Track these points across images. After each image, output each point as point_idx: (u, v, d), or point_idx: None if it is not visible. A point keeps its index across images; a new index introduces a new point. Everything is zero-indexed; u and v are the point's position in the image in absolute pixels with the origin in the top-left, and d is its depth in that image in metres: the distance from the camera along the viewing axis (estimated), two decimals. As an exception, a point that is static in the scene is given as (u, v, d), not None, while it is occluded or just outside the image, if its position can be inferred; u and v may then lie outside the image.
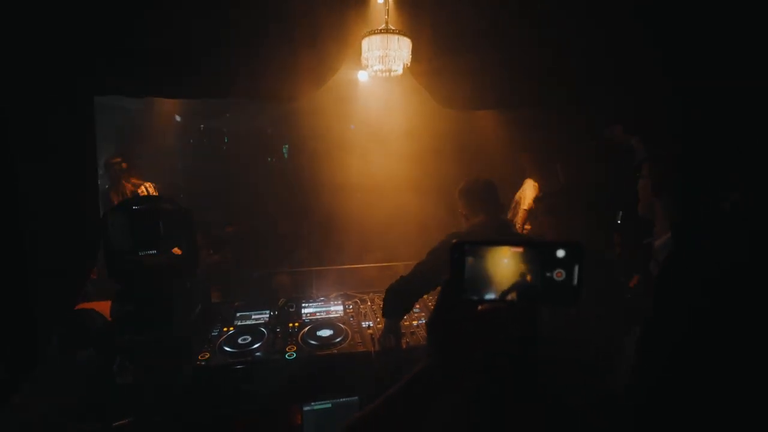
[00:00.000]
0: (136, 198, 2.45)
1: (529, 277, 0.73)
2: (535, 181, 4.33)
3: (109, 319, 2.41)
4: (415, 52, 2.81)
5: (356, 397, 2.42)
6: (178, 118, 6.32)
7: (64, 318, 2.29)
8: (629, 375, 1.81)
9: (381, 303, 2.90)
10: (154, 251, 2.41)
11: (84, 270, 2.43)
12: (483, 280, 0.76)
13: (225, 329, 2.72)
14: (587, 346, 2.31)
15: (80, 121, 2.39)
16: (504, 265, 0.74)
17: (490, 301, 0.76)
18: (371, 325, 2.79)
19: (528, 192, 4.36)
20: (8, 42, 1.74)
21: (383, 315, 2.55)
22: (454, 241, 0.77)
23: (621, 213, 3.10)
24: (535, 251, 0.73)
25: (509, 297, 0.74)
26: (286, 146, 7.73)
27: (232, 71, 2.70)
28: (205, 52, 2.58)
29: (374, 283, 3.53)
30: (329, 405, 2.40)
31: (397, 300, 2.47)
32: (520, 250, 0.73)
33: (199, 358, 2.41)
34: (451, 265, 0.77)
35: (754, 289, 1.33)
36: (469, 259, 0.76)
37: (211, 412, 2.26)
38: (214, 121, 6.97)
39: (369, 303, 3.11)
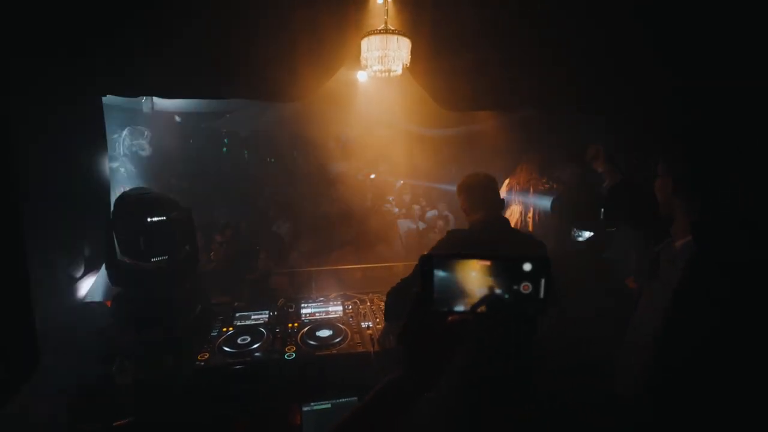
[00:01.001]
0: (146, 205, 2.42)
1: (497, 290, 0.75)
2: (538, 180, 4.32)
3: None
4: (414, 52, 2.81)
5: (356, 398, 2.42)
6: (177, 119, 6.31)
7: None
8: (630, 375, 1.82)
9: (380, 303, 2.92)
10: (166, 257, 2.42)
11: (86, 270, 2.44)
12: (452, 293, 0.77)
13: (224, 329, 2.72)
14: (586, 348, 2.32)
15: (85, 120, 2.40)
16: (472, 278, 0.76)
17: (460, 312, 0.77)
18: (371, 325, 2.79)
19: (502, 190, 4.37)
20: (9, 43, 1.74)
21: (385, 319, 2.56)
22: (424, 253, 0.79)
23: (602, 211, 3.11)
24: (503, 265, 0.75)
25: (479, 309, 0.76)
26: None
27: (231, 71, 2.71)
28: (204, 52, 2.58)
29: (374, 284, 3.53)
30: (329, 405, 2.40)
31: (399, 302, 2.46)
32: (487, 263, 0.75)
33: (199, 358, 2.41)
34: (421, 278, 0.78)
35: None
36: (439, 272, 0.77)
37: (210, 413, 2.26)
38: (214, 122, 6.96)
39: (368, 303, 3.11)
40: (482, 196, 2.40)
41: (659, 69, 2.68)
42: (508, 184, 4.28)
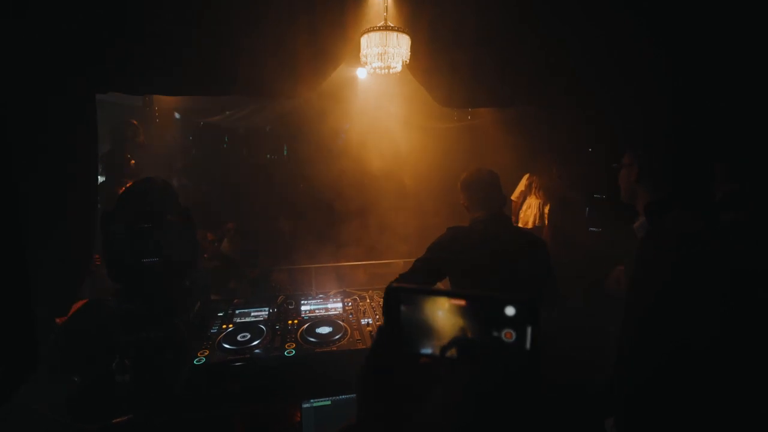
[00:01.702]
0: (142, 209, 2.42)
1: (470, 333, 0.65)
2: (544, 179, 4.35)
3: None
4: (413, 49, 2.80)
5: (355, 395, 2.42)
6: (177, 116, 6.30)
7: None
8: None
9: (380, 300, 2.91)
10: (156, 259, 2.42)
11: (83, 268, 2.44)
12: (421, 332, 0.68)
13: (224, 326, 2.72)
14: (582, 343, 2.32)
15: (80, 118, 2.39)
16: (444, 318, 0.66)
17: (429, 356, 0.68)
18: (370, 322, 2.79)
19: (522, 183, 4.44)
20: (8, 41, 1.73)
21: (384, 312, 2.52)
22: (393, 284, 0.71)
23: (587, 210, 3.11)
24: (479, 306, 0.65)
25: (449, 353, 0.66)
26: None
27: (231, 68, 2.70)
28: (204, 50, 2.58)
29: (373, 280, 3.54)
30: (328, 402, 2.40)
31: None
32: (461, 303, 0.65)
33: (198, 355, 2.41)
34: (385, 313, 0.70)
35: (737, 277, 1.36)
36: (405, 307, 0.68)
37: (210, 410, 2.27)
38: (213, 118, 6.96)
39: (368, 300, 3.11)
40: (484, 193, 2.38)
41: (659, 68, 2.68)
42: (528, 179, 4.33)
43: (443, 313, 0.66)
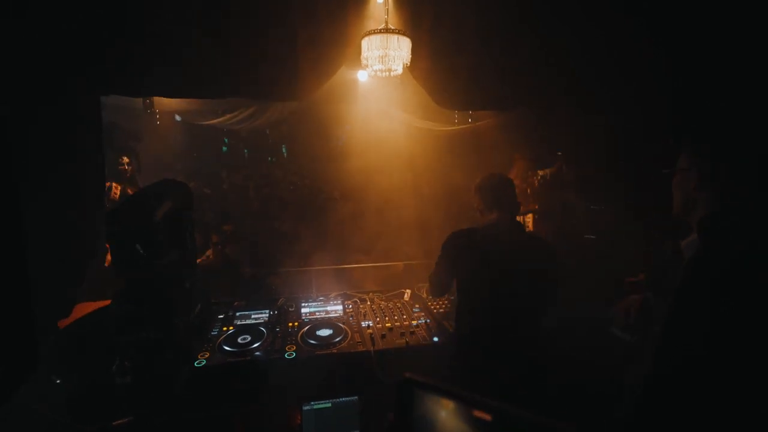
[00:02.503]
0: (128, 212, 2.41)
1: None
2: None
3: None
4: (414, 51, 2.81)
5: (356, 397, 2.42)
6: (177, 118, 6.31)
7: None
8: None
9: (380, 303, 3.00)
10: (149, 263, 2.42)
11: (83, 268, 2.44)
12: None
13: (224, 329, 2.72)
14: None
15: (81, 119, 2.39)
16: (458, 426, 0.56)
17: None
18: (371, 324, 2.79)
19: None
20: (8, 41, 1.73)
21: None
22: (406, 375, 0.62)
23: None
24: (509, 427, 0.52)
25: None
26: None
27: (232, 71, 2.70)
28: (205, 52, 2.58)
29: (374, 283, 3.53)
30: (329, 404, 2.40)
31: (435, 286, 2.56)
32: (487, 417, 0.53)
33: (199, 357, 2.41)
34: (396, 406, 0.62)
35: None
36: (420, 404, 0.60)
37: (210, 412, 2.26)
38: (214, 121, 6.98)
39: (368, 302, 3.11)
40: (497, 197, 2.38)
41: (659, 67, 2.68)
42: None
43: (458, 421, 0.56)
